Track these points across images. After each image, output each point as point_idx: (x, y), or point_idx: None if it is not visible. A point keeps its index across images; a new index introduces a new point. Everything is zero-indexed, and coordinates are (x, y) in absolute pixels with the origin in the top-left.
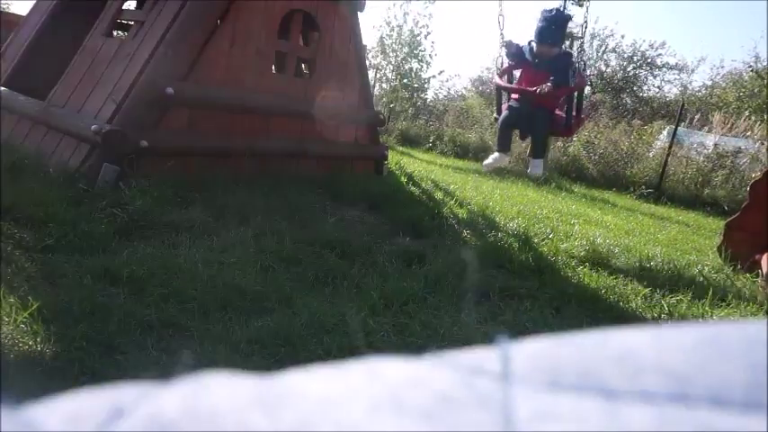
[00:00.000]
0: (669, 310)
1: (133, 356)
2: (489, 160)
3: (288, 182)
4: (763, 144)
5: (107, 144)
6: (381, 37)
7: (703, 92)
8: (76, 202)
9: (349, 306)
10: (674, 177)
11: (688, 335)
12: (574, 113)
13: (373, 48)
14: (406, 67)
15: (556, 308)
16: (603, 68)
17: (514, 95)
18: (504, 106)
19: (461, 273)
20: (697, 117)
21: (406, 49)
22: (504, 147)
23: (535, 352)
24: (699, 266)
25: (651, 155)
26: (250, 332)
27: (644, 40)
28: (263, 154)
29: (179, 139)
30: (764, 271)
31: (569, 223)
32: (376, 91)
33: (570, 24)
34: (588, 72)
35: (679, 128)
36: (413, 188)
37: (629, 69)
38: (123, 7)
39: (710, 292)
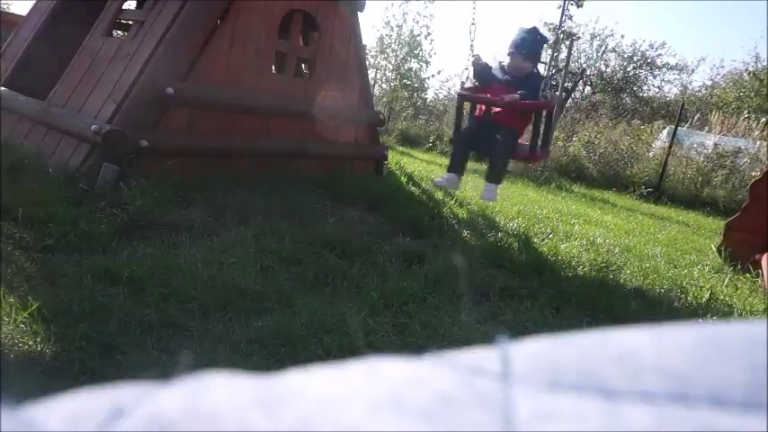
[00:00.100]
0: (669, 311)
1: (133, 356)
2: (440, 179)
3: (288, 182)
4: (763, 143)
5: (107, 144)
6: (381, 37)
7: (703, 92)
8: (76, 202)
9: (349, 306)
10: (673, 177)
11: (688, 335)
12: (541, 137)
13: (373, 48)
14: (406, 67)
15: (556, 308)
16: (603, 68)
17: (477, 112)
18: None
19: (461, 273)
20: (697, 117)
21: (405, 49)
22: (456, 168)
23: (535, 352)
24: (699, 266)
25: (651, 155)
26: (250, 332)
27: (644, 40)
28: (263, 154)
29: (179, 139)
30: (764, 271)
31: (569, 223)
32: (376, 91)
33: (570, 24)
34: (558, 93)
35: (679, 128)
36: (413, 188)
37: (629, 69)
38: (123, 7)
39: (710, 292)
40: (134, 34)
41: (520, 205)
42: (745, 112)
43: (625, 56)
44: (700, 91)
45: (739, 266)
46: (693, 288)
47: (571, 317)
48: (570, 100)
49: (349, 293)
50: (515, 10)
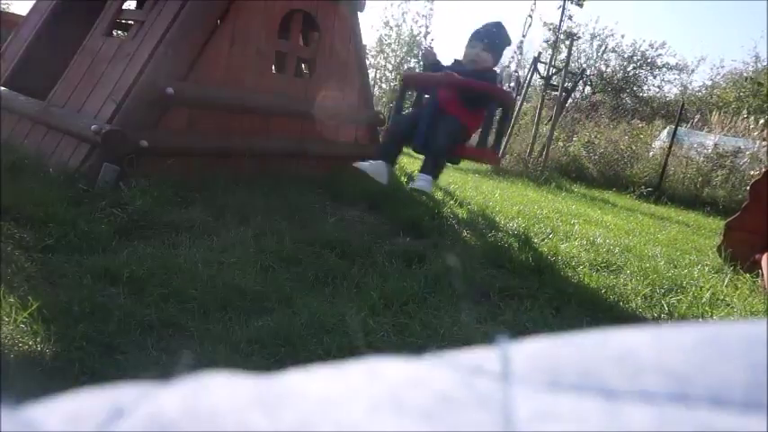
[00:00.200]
0: (669, 310)
1: (133, 356)
2: (365, 163)
3: (288, 182)
4: (763, 142)
5: (107, 144)
6: (380, 37)
7: (703, 92)
8: (76, 202)
9: (349, 306)
10: (673, 177)
11: (688, 335)
12: (493, 134)
13: (373, 48)
14: (406, 67)
15: (556, 308)
16: (603, 68)
17: (424, 102)
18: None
19: (461, 273)
20: (697, 117)
21: (405, 49)
22: (387, 155)
23: (535, 352)
24: (699, 266)
25: (651, 155)
26: (250, 332)
27: (644, 40)
28: (263, 154)
29: (179, 139)
30: (764, 271)
31: (569, 223)
32: (376, 91)
33: (570, 24)
34: (513, 84)
35: (679, 128)
36: None
37: (629, 69)
38: (123, 7)
39: (710, 292)
40: (134, 34)
41: (520, 205)
42: (745, 112)
43: (625, 56)
44: (700, 91)
45: (739, 266)
46: (693, 288)
47: (571, 317)
48: (570, 100)
49: (349, 293)
50: (515, 10)
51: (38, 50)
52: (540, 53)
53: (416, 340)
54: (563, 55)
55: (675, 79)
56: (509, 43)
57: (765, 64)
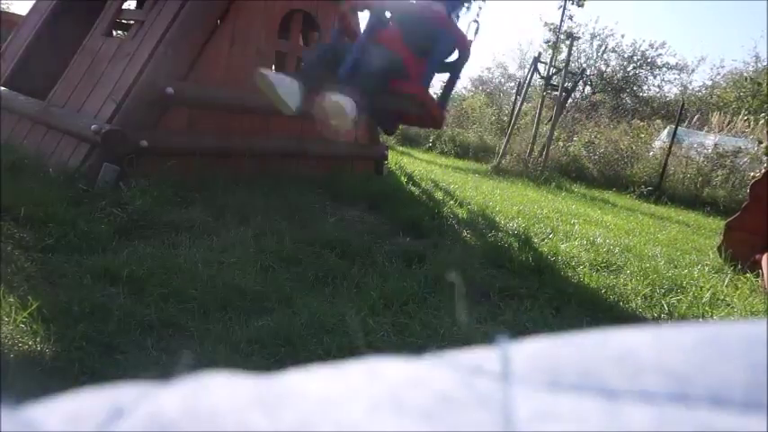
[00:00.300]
0: (669, 310)
1: (133, 356)
2: (278, 76)
3: (288, 182)
4: (760, 143)
5: (107, 144)
6: None
7: (703, 92)
8: (76, 202)
9: (349, 306)
10: (674, 177)
11: (688, 335)
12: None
13: None
14: None
15: (556, 308)
16: (603, 68)
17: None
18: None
19: (461, 273)
20: (696, 117)
21: None
22: (307, 78)
23: (535, 352)
24: (699, 266)
25: (651, 155)
26: (250, 332)
27: (644, 40)
28: (262, 154)
29: (179, 139)
30: (764, 271)
31: (569, 223)
32: None
33: (570, 24)
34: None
35: (679, 128)
36: (413, 188)
37: (629, 69)
38: (123, 7)
39: (710, 292)
40: (134, 34)
41: (520, 205)
42: (745, 112)
43: (625, 56)
44: (700, 91)
45: (739, 266)
46: (693, 288)
47: (571, 317)
48: (570, 100)
49: (349, 293)
50: (515, 10)
51: (38, 50)
52: (540, 53)
53: (416, 340)
54: (563, 55)
55: (675, 79)
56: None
57: (765, 64)
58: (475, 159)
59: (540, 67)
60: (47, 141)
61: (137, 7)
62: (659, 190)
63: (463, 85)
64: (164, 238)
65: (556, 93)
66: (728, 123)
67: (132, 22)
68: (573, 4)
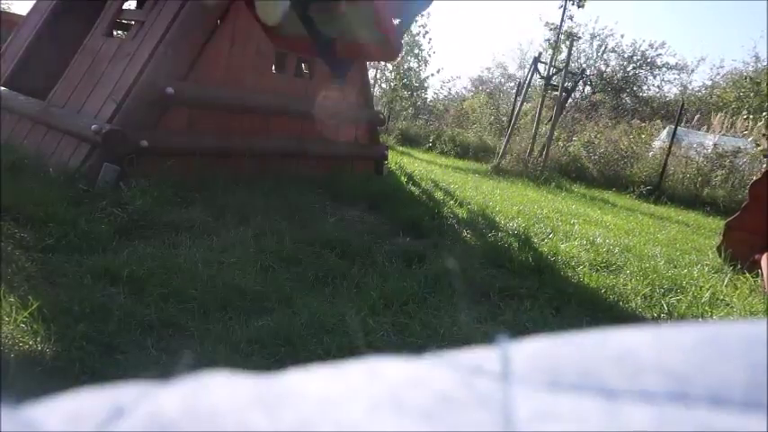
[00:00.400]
0: (669, 310)
1: (133, 356)
2: None
3: (288, 182)
4: (758, 146)
5: (107, 144)
6: None
7: (703, 92)
8: (76, 202)
9: (349, 306)
10: (673, 177)
11: (688, 335)
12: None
13: None
14: (406, 67)
15: (556, 308)
16: (603, 68)
17: None
18: None
19: (461, 273)
20: (696, 117)
21: (405, 49)
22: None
23: (535, 352)
24: (698, 266)
25: (651, 155)
26: (250, 332)
27: (644, 40)
28: (262, 154)
29: (179, 139)
30: (764, 271)
31: (569, 223)
32: (376, 91)
33: (570, 24)
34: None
35: (678, 128)
36: (413, 188)
37: (628, 69)
38: (123, 7)
39: (710, 292)
40: (134, 34)
41: (520, 205)
42: (745, 112)
43: (625, 56)
44: (700, 91)
45: (739, 266)
46: (693, 288)
47: (571, 317)
48: (570, 100)
49: (349, 293)
50: (515, 10)
51: (38, 50)
52: (540, 53)
53: (416, 340)
54: (563, 55)
55: (675, 79)
56: None
57: (765, 64)
58: (475, 159)
59: (540, 67)
60: (47, 141)
61: (137, 7)
62: (659, 190)
63: (463, 85)
64: (164, 238)
65: (556, 93)
66: (730, 125)
67: (132, 22)
68: (573, 4)
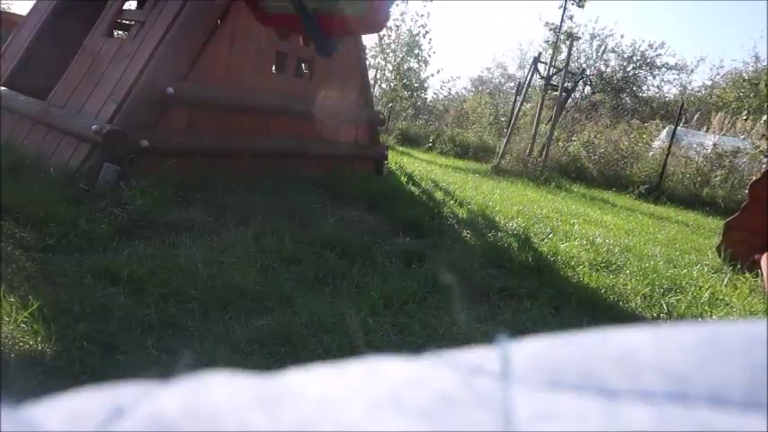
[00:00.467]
0: (669, 310)
1: (133, 356)
2: None
3: (288, 182)
4: (757, 148)
5: (107, 144)
6: (381, 37)
7: (703, 92)
8: (77, 202)
9: (349, 306)
10: (673, 177)
11: (688, 335)
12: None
13: (373, 48)
14: (406, 67)
15: (556, 308)
16: (603, 68)
17: None
18: None
19: (461, 273)
20: (696, 117)
21: (405, 49)
22: None
23: (535, 352)
24: (698, 266)
25: (650, 155)
26: (250, 332)
27: (643, 40)
28: (262, 154)
29: (179, 139)
30: (764, 271)
31: (569, 223)
32: (376, 91)
33: (570, 24)
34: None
35: (678, 127)
36: (413, 188)
37: (628, 69)
38: (123, 7)
39: (710, 292)
40: (134, 34)
41: (519, 205)
42: (745, 112)
43: (625, 56)
44: (699, 91)
45: (739, 266)
46: (693, 288)
47: (571, 317)
48: (570, 100)
49: (349, 293)
50: (515, 10)
51: (38, 50)
52: (540, 53)
53: (416, 340)
54: (563, 55)
55: (675, 79)
56: None
57: (765, 64)
58: (475, 159)
59: (540, 67)
60: (47, 141)
61: (137, 7)
62: (659, 190)
63: (463, 85)
64: (164, 237)
65: (556, 93)
66: (730, 125)
67: (133, 22)
68: (573, 4)
